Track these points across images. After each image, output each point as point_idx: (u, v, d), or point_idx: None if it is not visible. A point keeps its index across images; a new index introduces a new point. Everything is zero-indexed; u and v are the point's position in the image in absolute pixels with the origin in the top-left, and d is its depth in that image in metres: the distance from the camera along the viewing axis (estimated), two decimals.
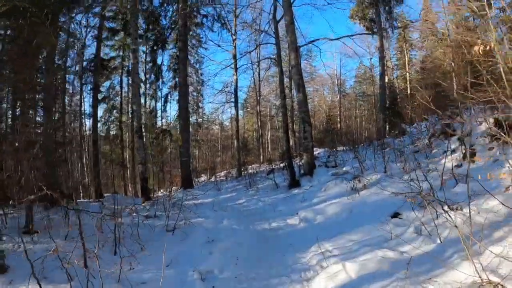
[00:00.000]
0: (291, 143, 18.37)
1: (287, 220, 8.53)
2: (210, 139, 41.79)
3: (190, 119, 31.34)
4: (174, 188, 19.61)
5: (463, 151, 8.26)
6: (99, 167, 17.45)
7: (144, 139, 15.45)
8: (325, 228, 7.07)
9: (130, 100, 21.45)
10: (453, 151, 8.89)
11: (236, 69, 22.19)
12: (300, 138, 14.76)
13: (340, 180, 10.45)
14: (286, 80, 19.95)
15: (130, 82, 21.48)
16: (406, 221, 6.21)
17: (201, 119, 35.33)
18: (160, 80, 25.05)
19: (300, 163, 15.68)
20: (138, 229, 7.18)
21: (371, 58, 37.83)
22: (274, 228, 8.01)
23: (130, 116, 24.23)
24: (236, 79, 22.12)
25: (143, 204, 11.94)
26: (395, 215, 6.66)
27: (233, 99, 22.53)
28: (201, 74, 29.38)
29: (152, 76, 24.82)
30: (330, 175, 11.92)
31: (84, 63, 20.55)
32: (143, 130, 15.12)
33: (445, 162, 7.65)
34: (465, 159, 7.89)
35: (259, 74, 29.33)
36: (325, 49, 61.06)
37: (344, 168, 12.14)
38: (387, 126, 19.90)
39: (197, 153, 33.15)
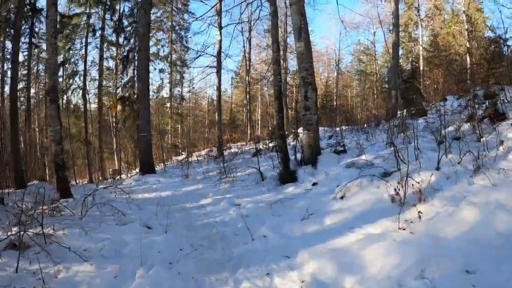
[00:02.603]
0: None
1: (275, 278, 3.57)
2: (198, 114, 36.96)
3: (173, 90, 26.57)
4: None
5: None
6: (19, 144, 12.28)
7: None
8: None
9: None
10: None
11: (220, 27, 16.95)
12: (298, 109, 9.91)
13: (368, 179, 5.65)
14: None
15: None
16: None
17: (189, 93, 30.48)
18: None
19: (294, 143, 10.89)
20: None
21: (374, 32, 32.94)
22: None
23: (97, 84, 19.17)
24: (220, 40, 16.93)
25: (53, 205, 7.06)
26: None
27: (215, 64, 17.31)
28: (186, 41, 24.70)
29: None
30: (344, 167, 7.20)
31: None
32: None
33: None
34: None
35: (249, 41, 24.35)
36: (324, 21, 54.29)
37: (363, 157, 7.22)
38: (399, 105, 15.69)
39: (179, 128, 28.05)
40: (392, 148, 7.11)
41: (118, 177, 16.30)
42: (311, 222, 4.89)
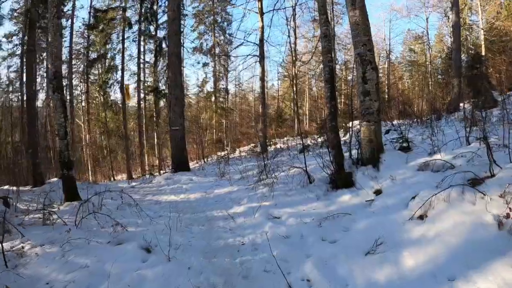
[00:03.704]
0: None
1: None
2: (245, 109, 35.59)
3: (218, 83, 25.39)
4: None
5: None
6: (37, 140, 11.16)
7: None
8: None
9: None
10: None
11: (261, 13, 15.27)
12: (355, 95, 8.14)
13: (457, 190, 3.75)
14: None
15: None
16: None
17: (236, 88, 29.29)
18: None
19: (345, 138, 9.11)
20: None
21: (427, 18, 29.79)
22: None
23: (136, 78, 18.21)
24: (262, 26, 15.26)
25: (57, 209, 5.85)
26: None
27: (257, 52, 15.64)
28: (230, 35, 23.92)
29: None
30: (415, 170, 5.33)
31: None
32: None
33: None
34: None
35: (295, 31, 22.62)
36: (373, 9, 50.38)
37: (437, 156, 5.36)
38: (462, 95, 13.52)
39: (224, 122, 26.76)
40: (474, 145, 5.28)
41: (157, 173, 15.19)
42: (381, 259, 3.13)
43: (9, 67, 18.00)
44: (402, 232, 3.57)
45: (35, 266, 3.54)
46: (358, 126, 9.46)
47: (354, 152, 7.01)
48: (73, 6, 19.82)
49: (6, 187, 8.50)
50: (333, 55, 7.46)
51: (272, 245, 3.78)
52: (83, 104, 22.49)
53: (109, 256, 3.70)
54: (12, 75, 18.12)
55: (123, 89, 17.55)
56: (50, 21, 6.61)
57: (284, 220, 4.83)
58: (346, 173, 6.15)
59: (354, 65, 6.80)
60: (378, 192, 5.17)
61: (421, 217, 3.81)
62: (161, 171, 15.67)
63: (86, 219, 5.01)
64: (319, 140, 12.48)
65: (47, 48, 7.07)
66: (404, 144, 6.84)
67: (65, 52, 20.32)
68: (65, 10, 20.05)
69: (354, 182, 5.87)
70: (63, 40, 20.05)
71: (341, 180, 6.02)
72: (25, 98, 12.66)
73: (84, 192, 7.10)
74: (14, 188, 8.37)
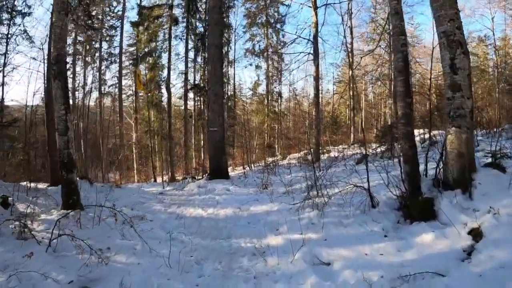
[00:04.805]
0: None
1: None
2: (299, 114, 34.11)
3: (271, 86, 24.10)
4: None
5: None
6: (52, 135, 10.21)
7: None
8: None
9: None
10: None
11: (315, 7, 13.68)
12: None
13: None
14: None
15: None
16: None
17: (289, 93, 27.99)
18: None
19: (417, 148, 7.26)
20: None
21: (493, 18, 26.11)
22: None
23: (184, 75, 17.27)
24: (316, 22, 13.67)
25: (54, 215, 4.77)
26: None
27: (311, 49, 14.11)
28: (283, 36, 22.54)
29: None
30: None
31: None
32: None
33: None
34: None
35: (351, 30, 20.86)
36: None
37: None
38: None
39: (276, 127, 25.28)
40: None
41: (200, 176, 14.04)
42: None
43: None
44: None
45: None
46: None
47: (429, 166, 5.23)
48: (124, 7, 19.65)
49: (25, 183, 7.65)
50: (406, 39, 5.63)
51: None
52: (134, 104, 22.22)
53: None
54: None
55: (169, 88, 16.75)
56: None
57: (337, 272, 3.20)
58: (425, 198, 4.40)
59: (440, 48, 4.92)
60: (475, 234, 3.44)
61: None
62: (203, 175, 14.55)
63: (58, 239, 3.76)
64: (379, 149, 10.72)
65: (52, 29, 5.96)
66: (490, 160, 4.93)
67: (115, 51, 20.38)
68: (115, 11, 20.02)
69: (436, 212, 4.13)
70: (113, 40, 19.99)
71: (417, 207, 4.30)
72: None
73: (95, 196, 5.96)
74: (32, 184, 7.56)
